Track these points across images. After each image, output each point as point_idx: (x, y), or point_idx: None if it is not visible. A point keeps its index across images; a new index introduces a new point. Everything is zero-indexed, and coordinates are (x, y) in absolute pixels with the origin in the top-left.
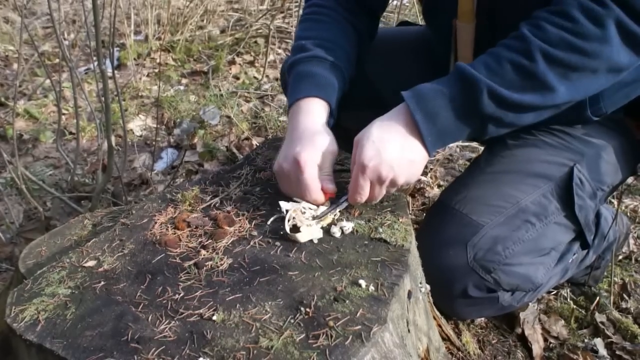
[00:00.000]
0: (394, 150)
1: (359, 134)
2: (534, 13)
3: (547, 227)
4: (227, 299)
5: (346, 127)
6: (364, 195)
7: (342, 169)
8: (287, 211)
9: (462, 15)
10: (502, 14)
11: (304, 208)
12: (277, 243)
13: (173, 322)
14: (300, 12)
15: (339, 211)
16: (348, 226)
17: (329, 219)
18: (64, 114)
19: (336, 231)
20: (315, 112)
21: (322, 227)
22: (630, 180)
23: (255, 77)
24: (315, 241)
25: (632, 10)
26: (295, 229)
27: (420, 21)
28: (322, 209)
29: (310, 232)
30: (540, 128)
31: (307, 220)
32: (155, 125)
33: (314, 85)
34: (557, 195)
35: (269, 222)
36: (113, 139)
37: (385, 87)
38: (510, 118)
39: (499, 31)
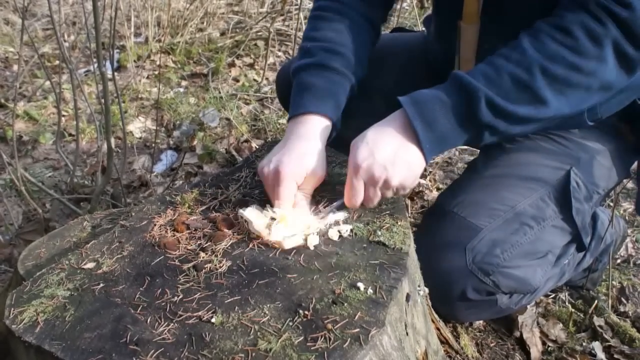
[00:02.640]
0: (388, 151)
1: (355, 138)
2: (535, 24)
3: (545, 230)
4: (226, 302)
5: (340, 134)
6: (358, 196)
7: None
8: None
9: (466, 17)
10: (506, 17)
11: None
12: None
13: (172, 324)
14: (301, 15)
15: (340, 220)
16: (346, 229)
17: (320, 225)
18: (63, 115)
19: (334, 234)
20: (313, 130)
21: (315, 234)
22: (629, 185)
23: (255, 80)
24: (312, 247)
25: (629, 32)
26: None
27: (420, 25)
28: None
29: (295, 241)
30: (536, 132)
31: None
32: (154, 127)
33: (316, 99)
34: (555, 199)
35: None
36: (112, 140)
37: (380, 94)
38: (504, 127)
39: (503, 34)
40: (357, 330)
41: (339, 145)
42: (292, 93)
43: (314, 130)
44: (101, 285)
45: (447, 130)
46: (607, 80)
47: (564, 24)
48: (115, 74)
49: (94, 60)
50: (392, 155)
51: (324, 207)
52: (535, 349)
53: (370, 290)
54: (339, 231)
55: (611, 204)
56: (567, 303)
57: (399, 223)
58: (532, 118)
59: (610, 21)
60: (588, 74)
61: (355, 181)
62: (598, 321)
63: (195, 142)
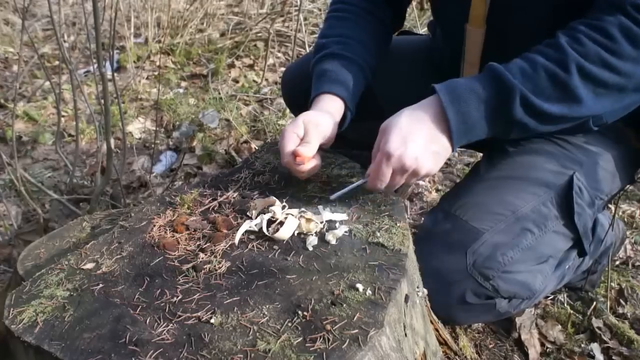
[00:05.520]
0: (421, 141)
1: (386, 121)
2: (571, 24)
3: (546, 235)
4: (225, 302)
5: (347, 137)
6: (385, 182)
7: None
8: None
9: (473, 20)
10: (514, 22)
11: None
12: (275, 246)
13: (171, 324)
14: (300, 16)
15: (337, 223)
16: (342, 232)
17: (312, 226)
18: (63, 116)
19: (331, 238)
20: (324, 105)
21: (314, 235)
22: (628, 186)
23: (254, 81)
24: (310, 248)
25: None
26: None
27: (420, 26)
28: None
29: (290, 227)
30: (540, 135)
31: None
32: (154, 128)
33: (328, 82)
34: (557, 204)
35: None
36: (112, 141)
37: (385, 98)
38: (534, 125)
39: (509, 38)
40: (356, 331)
41: (345, 148)
42: (312, 85)
43: (323, 105)
44: (100, 285)
45: (477, 122)
46: None
47: (602, 25)
48: (115, 74)
49: (94, 60)
50: (423, 146)
51: (324, 209)
52: (534, 350)
53: (369, 291)
54: (334, 235)
55: (611, 206)
56: (565, 304)
57: (398, 224)
58: (565, 117)
59: None
60: (624, 76)
61: (385, 167)
62: (597, 323)
63: (194, 143)
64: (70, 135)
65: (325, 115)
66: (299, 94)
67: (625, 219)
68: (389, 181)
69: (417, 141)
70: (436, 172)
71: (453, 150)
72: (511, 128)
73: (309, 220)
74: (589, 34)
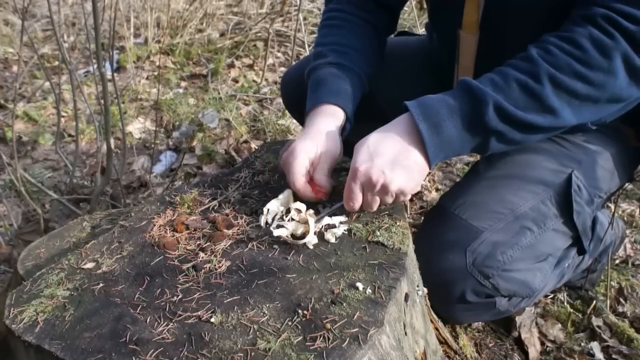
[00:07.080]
0: (388, 155)
1: (359, 141)
2: (542, 37)
3: (545, 233)
4: (225, 301)
5: (348, 139)
6: (356, 200)
7: (343, 168)
8: (268, 210)
9: (466, 26)
10: (507, 29)
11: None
12: (275, 246)
13: (171, 323)
14: (300, 16)
15: (337, 222)
16: (341, 231)
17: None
18: (63, 116)
19: (330, 237)
20: (327, 117)
21: (314, 234)
22: (627, 185)
23: (254, 81)
24: (311, 247)
25: (639, 45)
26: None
27: (420, 26)
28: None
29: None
30: None
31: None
32: (154, 128)
33: (329, 91)
34: (556, 202)
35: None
36: (112, 141)
37: (385, 99)
38: (511, 134)
39: (502, 45)
40: (356, 330)
41: (345, 149)
42: (308, 91)
43: (327, 116)
44: (101, 285)
45: (453, 135)
46: (617, 93)
47: (572, 36)
48: (115, 74)
49: (94, 61)
50: (391, 159)
51: (323, 208)
52: (534, 349)
53: (369, 290)
54: (333, 234)
55: (610, 205)
56: (565, 303)
57: (398, 223)
58: (541, 126)
59: (619, 35)
60: (596, 86)
61: (353, 185)
62: (596, 321)
63: (194, 143)
64: (70, 135)
65: (337, 139)
66: (298, 97)
67: (625, 218)
68: (363, 200)
69: (384, 155)
70: (414, 189)
71: (430, 167)
72: (488, 138)
73: (304, 222)
74: (559, 45)
